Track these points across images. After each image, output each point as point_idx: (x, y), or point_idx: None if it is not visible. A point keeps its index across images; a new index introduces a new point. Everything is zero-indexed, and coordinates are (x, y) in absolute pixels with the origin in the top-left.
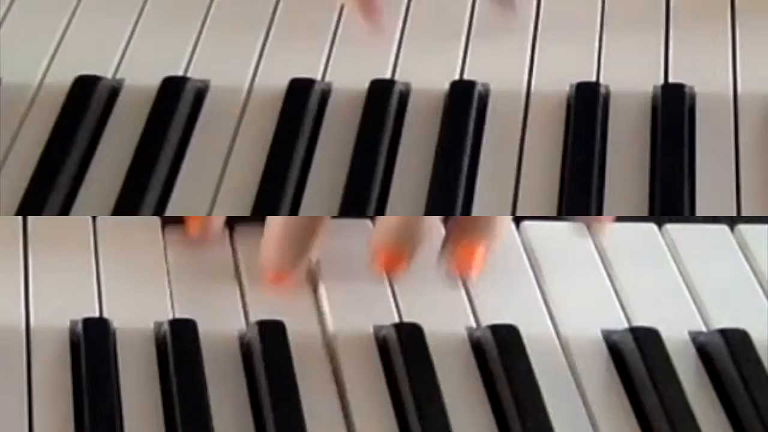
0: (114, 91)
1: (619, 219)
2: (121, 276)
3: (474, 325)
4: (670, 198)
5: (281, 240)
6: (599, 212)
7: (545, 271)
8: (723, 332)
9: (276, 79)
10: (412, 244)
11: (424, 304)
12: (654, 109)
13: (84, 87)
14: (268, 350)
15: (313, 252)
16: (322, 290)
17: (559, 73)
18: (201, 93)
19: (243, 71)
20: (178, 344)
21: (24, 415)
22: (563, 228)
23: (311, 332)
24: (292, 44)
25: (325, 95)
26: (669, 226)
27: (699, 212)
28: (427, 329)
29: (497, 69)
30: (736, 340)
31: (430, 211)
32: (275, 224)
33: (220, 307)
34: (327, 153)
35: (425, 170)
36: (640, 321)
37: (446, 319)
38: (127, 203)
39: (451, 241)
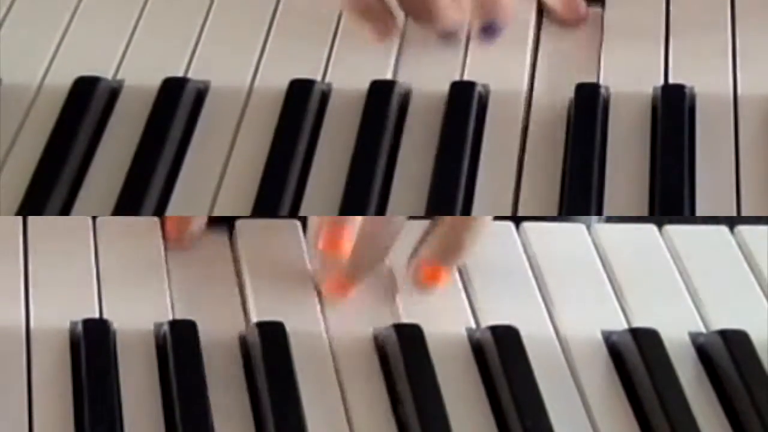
0: (114, 91)
1: (619, 219)
2: (121, 276)
3: (474, 325)
4: (670, 198)
5: (363, 249)
6: (599, 212)
7: (545, 272)
8: (723, 333)
9: (276, 79)
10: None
11: (424, 304)
12: (654, 109)
13: (84, 87)
14: (268, 351)
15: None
16: (322, 290)
17: (559, 73)
18: (201, 93)
19: (243, 71)
20: (178, 345)
21: (24, 415)
22: (563, 228)
23: (311, 332)
24: (292, 44)
25: (325, 95)
26: (669, 227)
27: (699, 212)
28: (427, 330)
29: (497, 69)
30: (736, 341)
31: (430, 211)
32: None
33: (220, 307)
34: (327, 153)
35: (425, 170)
36: (640, 321)
37: (446, 319)
38: (127, 203)
39: (421, 248)
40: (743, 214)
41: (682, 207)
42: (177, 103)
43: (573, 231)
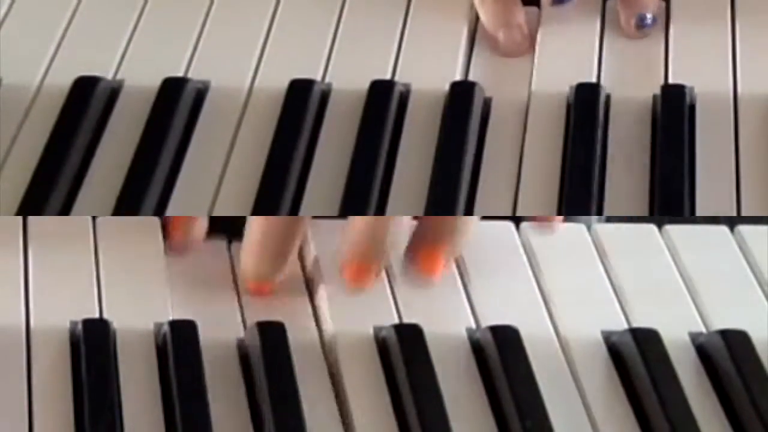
0: (114, 91)
1: (619, 219)
2: (121, 276)
3: (474, 325)
4: (670, 198)
5: (259, 247)
6: (599, 212)
7: (545, 271)
8: (723, 332)
9: (276, 79)
10: (383, 253)
11: (424, 304)
12: (654, 109)
13: (84, 87)
14: (268, 351)
15: (294, 255)
16: (322, 290)
17: (559, 73)
18: (201, 93)
19: (243, 71)
20: (178, 345)
21: (24, 415)
22: (563, 228)
23: (311, 333)
24: (292, 44)
25: (325, 95)
26: (669, 227)
27: (699, 212)
28: (427, 329)
29: (497, 69)
30: (736, 341)
31: (430, 211)
32: (252, 229)
33: (220, 307)
34: (327, 153)
35: (425, 170)
36: (640, 321)
37: (446, 319)
38: (127, 203)
39: (414, 242)
40: (743, 214)
41: (682, 207)
42: (177, 103)
43: (573, 231)
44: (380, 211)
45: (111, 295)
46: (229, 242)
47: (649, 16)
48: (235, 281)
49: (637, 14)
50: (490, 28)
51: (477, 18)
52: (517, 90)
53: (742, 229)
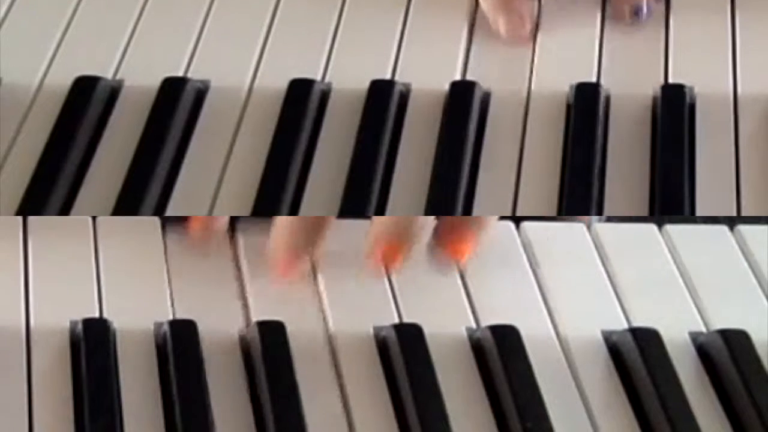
0: (114, 91)
1: (619, 219)
2: (121, 276)
3: (474, 325)
4: (670, 198)
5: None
6: (599, 212)
7: (545, 272)
8: (723, 332)
9: (276, 79)
10: (409, 242)
11: (424, 304)
12: (654, 109)
13: (84, 87)
14: (268, 350)
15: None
16: (322, 290)
17: (559, 73)
18: (201, 93)
19: (243, 71)
20: (178, 344)
21: (24, 415)
22: (563, 228)
23: (311, 332)
24: (292, 44)
25: (325, 95)
26: (669, 226)
27: (699, 212)
28: (427, 329)
29: (497, 69)
30: (736, 340)
31: (430, 211)
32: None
33: (220, 307)
34: (327, 153)
35: (425, 170)
36: (640, 321)
37: (446, 319)
38: (127, 203)
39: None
40: (743, 214)
41: (682, 207)
42: (177, 103)
43: (573, 231)
44: (380, 211)
45: (111, 295)
46: (232, 235)
47: (644, 6)
48: (238, 277)
49: (633, 4)
50: (489, 14)
51: (476, 11)
52: (517, 89)
53: (742, 229)
